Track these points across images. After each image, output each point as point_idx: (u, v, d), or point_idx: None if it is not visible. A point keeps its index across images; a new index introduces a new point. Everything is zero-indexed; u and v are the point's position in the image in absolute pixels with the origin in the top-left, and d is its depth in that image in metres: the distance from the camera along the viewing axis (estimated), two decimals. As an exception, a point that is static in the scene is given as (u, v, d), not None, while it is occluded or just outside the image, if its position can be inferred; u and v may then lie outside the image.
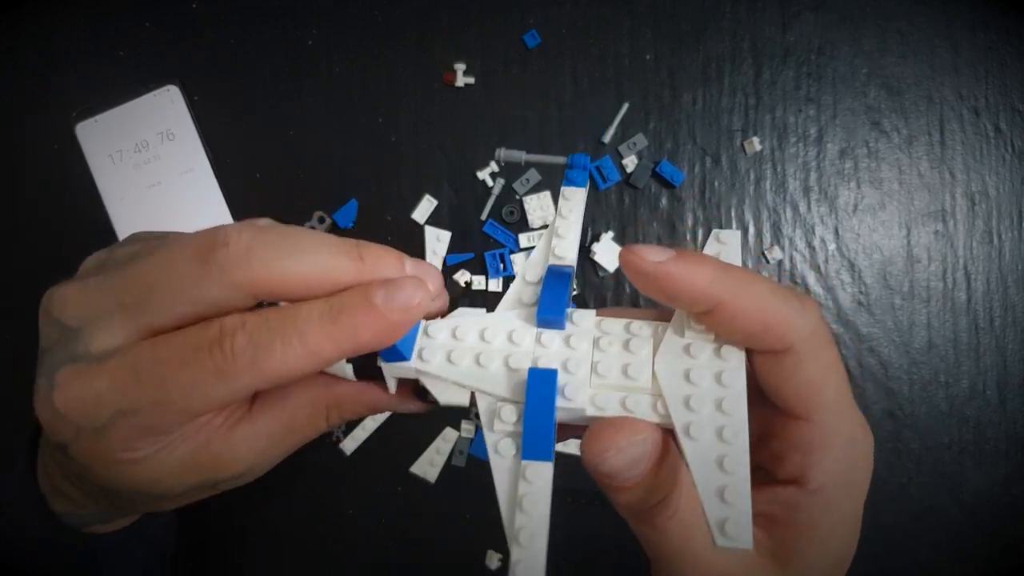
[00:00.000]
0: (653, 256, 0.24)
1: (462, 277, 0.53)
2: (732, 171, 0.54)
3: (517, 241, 0.54)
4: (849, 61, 0.54)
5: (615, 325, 0.27)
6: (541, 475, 0.24)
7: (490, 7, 0.54)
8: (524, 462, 0.24)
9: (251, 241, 0.24)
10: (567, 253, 0.29)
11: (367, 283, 0.25)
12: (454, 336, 0.27)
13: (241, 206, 0.54)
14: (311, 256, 0.25)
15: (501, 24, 0.54)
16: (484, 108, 0.54)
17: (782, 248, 0.54)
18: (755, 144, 0.53)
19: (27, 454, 0.33)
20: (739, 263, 0.27)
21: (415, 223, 0.54)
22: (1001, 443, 0.53)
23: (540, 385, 0.25)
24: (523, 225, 0.54)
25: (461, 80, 0.54)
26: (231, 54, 0.54)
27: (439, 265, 0.53)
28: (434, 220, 0.54)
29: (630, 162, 0.54)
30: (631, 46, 0.54)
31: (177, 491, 0.27)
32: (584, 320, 0.27)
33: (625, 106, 0.54)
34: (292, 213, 0.54)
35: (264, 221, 0.27)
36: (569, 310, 0.27)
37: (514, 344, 0.26)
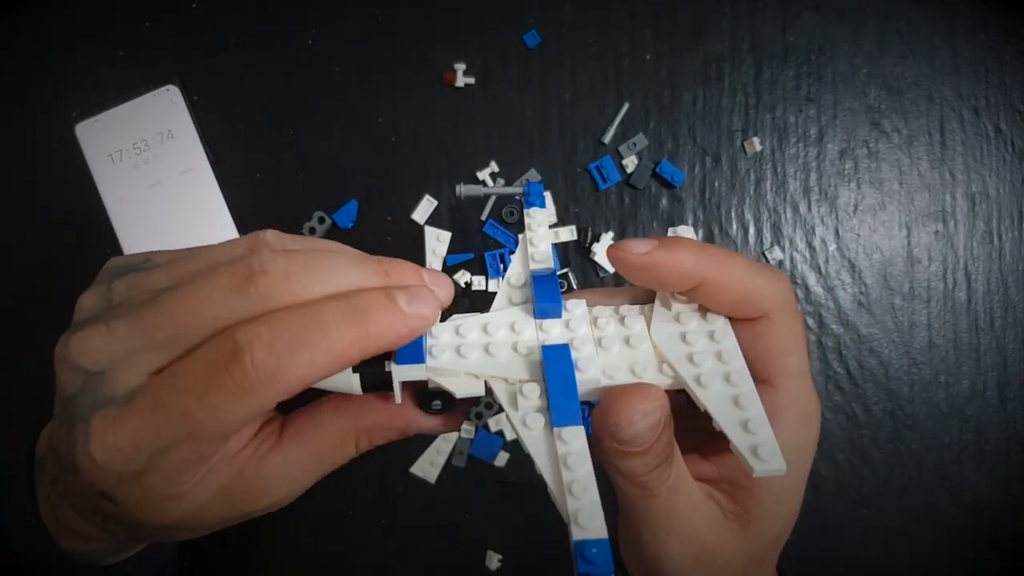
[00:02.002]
0: (639, 248, 0.26)
1: (462, 277, 0.53)
2: (732, 171, 0.54)
3: (517, 241, 0.53)
4: (849, 61, 0.54)
5: (606, 309, 0.29)
6: (576, 437, 0.25)
7: (490, 7, 0.54)
8: (557, 428, 0.25)
9: (288, 266, 0.24)
10: (544, 257, 0.31)
11: (387, 286, 0.25)
12: (458, 333, 0.28)
13: (241, 206, 0.54)
14: (344, 276, 0.25)
15: (501, 24, 0.54)
16: (484, 108, 0.54)
17: (782, 248, 0.54)
18: (755, 144, 0.53)
19: (25, 489, 0.31)
20: None
21: (415, 223, 0.54)
22: (1001, 443, 0.53)
23: (556, 358, 0.26)
24: (523, 225, 0.54)
25: (461, 80, 0.54)
26: (231, 54, 0.54)
27: (439, 266, 0.53)
28: (434, 220, 0.54)
29: (630, 162, 0.53)
30: (631, 46, 0.54)
31: (211, 524, 0.27)
32: (577, 307, 0.29)
33: (625, 106, 0.54)
34: (292, 213, 0.54)
35: (271, 233, 0.27)
36: (562, 301, 0.29)
37: (517, 334, 0.28)
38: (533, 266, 0.31)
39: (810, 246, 0.54)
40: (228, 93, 0.54)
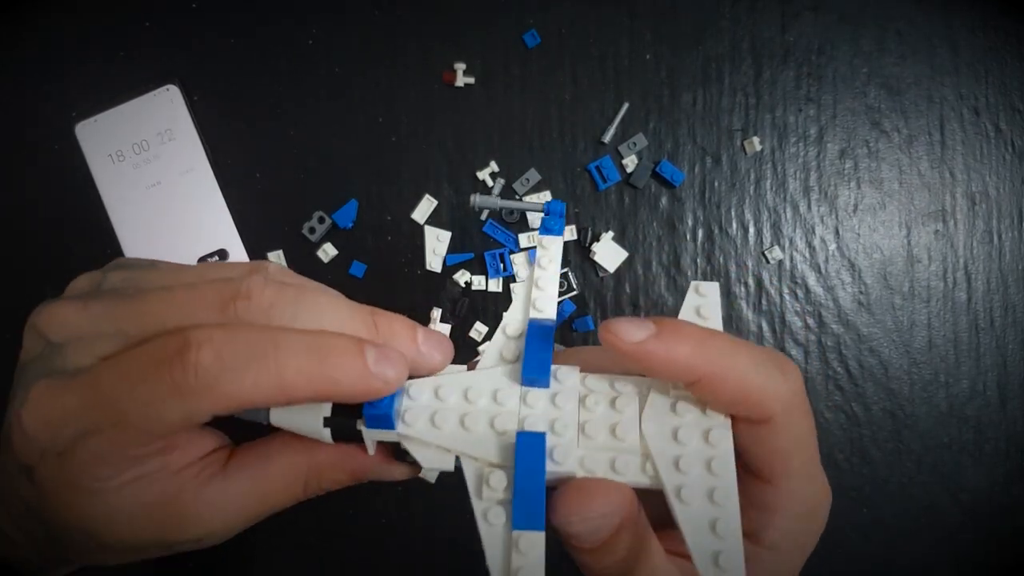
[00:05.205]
0: (631, 336, 0.24)
1: (462, 277, 0.53)
2: (732, 171, 0.54)
3: (517, 241, 0.53)
4: (849, 61, 0.54)
5: (600, 382, 0.27)
6: (534, 546, 0.23)
7: (490, 7, 0.54)
8: (516, 532, 0.23)
9: (274, 297, 0.24)
10: (547, 306, 0.28)
11: (359, 338, 0.24)
12: (437, 396, 0.26)
13: (241, 206, 0.54)
14: (329, 320, 0.24)
15: (501, 24, 0.54)
16: (484, 108, 0.54)
17: (782, 248, 0.54)
18: (755, 144, 0.53)
19: None
20: (719, 314, 0.27)
21: (415, 223, 0.54)
22: (1001, 443, 0.53)
23: (529, 450, 0.24)
24: (523, 225, 0.54)
25: (461, 80, 0.54)
26: (231, 54, 0.54)
27: (439, 266, 0.53)
28: (434, 220, 0.54)
29: (630, 162, 0.53)
30: (631, 46, 0.54)
31: (128, 542, 0.25)
32: (569, 378, 0.26)
33: (625, 106, 0.54)
34: (292, 213, 0.54)
35: (274, 265, 0.26)
36: (553, 367, 0.27)
37: (499, 404, 0.26)
38: (533, 314, 0.28)
39: (810, 246, 0.54)
40: (228, 93, 0.54)
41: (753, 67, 0.54)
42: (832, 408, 0.54)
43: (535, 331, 0.27)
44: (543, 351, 0.26)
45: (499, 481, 0.24)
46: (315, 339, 0.23)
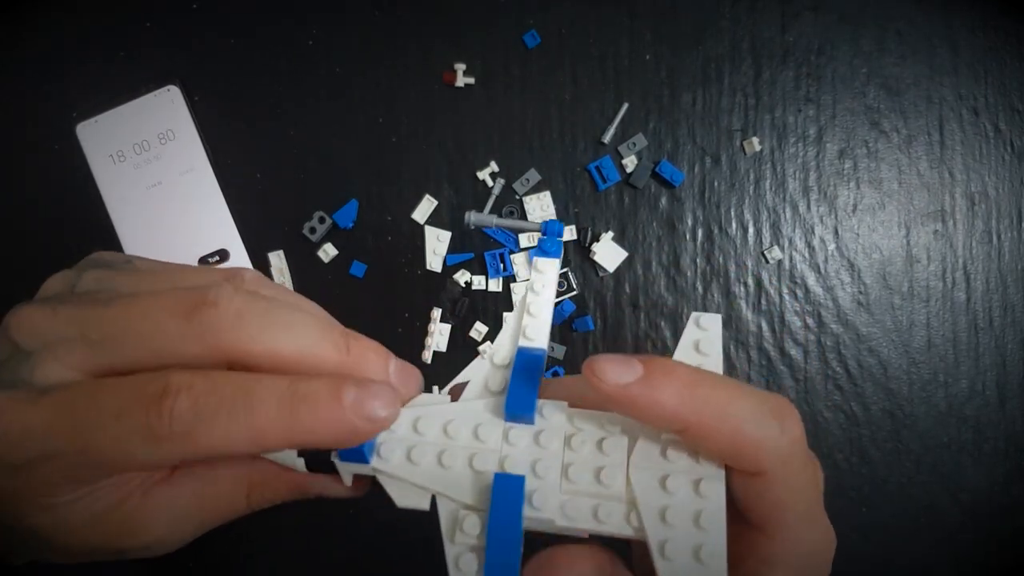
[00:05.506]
0: (615, 378, 0.22)
1: (462, 277, 0.54)
2: (732, 171, 0.54)
3: (517, 241, 0.54)
4: (848, 61, 0.54)
5: (588, 421, 0.25)
6: None
7: (490, 7, 0.54)
8: None
9: (242, 307, 0.23)
10: (538, 334, 0.27)
11: (340, 376, 0.23)
12: (415, 430, 0.25)
13: (241, 206, 0.54)
14: (299, 336, 0.23)
15: (501, 24, 0.54)
16: (484, 108, 0.54)
17: (782, 248, 0.54)
18: (755, 144, 0.54)
19: None
20: (719, 350, 0.26)
21: (415, 223, 0.54)
22: (1000, 443, 0.54)
23: (506, 494, 0.23)
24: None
25: (461, 80, 0.54)
26: (231, 54, 0.55)
27: (439, 266, 0.54)
28: (434, 220, 0.54)
29: (630, 162, 0.54)
30: (631, 46, 0.54)
31: (74, 548, 0.25)
32: (555, 415, 0.25)
33: (625, 106, 0.54)
34: (292, 213, 0.54)
35: (250, 273, 0.25)
36: (539, 402, 0.25)
37: (480, 441, 0.25)
38: (523, 342, 0.26)
39: (809, 246, 0.54)
40: (228, 93, 0.54)
41: (753, 67, 0.54)
42: (831, 408, 0.54)
43: (523, 362, 0.26)
44: (529, 385, 0.25)
45: (473, 526, 0.23)
46: (289, 386, 0.22)
